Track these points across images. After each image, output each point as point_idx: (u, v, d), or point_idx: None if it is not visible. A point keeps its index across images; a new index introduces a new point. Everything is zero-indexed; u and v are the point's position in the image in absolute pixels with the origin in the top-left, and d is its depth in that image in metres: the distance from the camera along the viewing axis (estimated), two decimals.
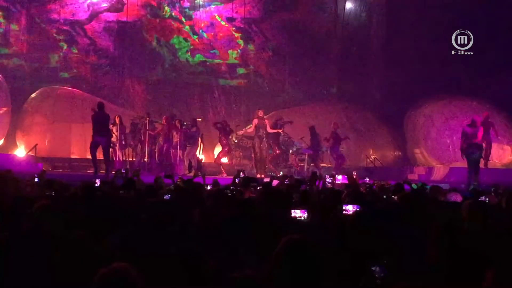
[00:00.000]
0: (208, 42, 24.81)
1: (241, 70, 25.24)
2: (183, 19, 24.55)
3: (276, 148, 18.65)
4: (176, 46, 24.65)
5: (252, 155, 18.52)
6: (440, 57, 20.89)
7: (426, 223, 4.97)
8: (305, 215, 5.25)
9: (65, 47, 23.46)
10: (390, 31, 23.99)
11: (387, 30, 24.38)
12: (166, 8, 24.47)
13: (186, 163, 17.94)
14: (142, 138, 18.25)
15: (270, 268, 2.64)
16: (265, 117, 18.87)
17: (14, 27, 22.63)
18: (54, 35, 23.26)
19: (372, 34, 24.92)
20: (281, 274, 2.58)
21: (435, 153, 20.87)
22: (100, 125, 14.93)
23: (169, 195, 7.16)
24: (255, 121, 18.11)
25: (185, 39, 24.68)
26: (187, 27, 24.63)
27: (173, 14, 24.50)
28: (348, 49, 24.66)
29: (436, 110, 21.17)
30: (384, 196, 8.63)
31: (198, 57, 24.87)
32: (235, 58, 25.16)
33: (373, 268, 2.67)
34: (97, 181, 11.04)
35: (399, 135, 23.14)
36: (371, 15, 25.29)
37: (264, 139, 17.99)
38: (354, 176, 12.45)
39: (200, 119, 19.45)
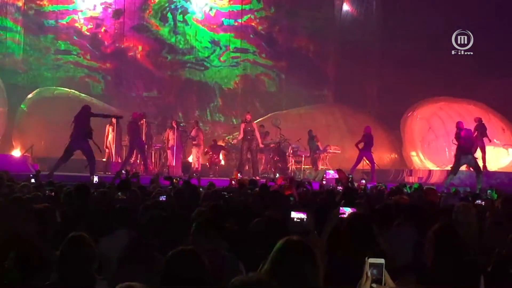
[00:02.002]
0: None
1: (238, 72, 25.26)
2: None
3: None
4: (170, 58, 24.72)
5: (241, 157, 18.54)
6: (440, 58, 20.90)
7: (424, 226, 4.98)
8: (305, 216, 5.23)
9: (61, 44, 23.48)
10: (387, 32, 24.00)
11: (384, 32, 24.39)
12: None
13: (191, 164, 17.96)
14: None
15: (268, 269, 2.64)
16: (258, 121, 18.92)
17: (10, 24, 22.56)
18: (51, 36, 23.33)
19: (369, 36, 24.93)
20: (278, 275, 2.58)
21: (432, 156, 20.89)
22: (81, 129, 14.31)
23: (165, 196, 7.13)
24: (243, 125, 18.09)
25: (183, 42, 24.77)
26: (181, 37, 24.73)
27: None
28: (345, 51, 24.66)
29: (433, 112, 21.18)
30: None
31: (197, 59, 24.96)
32: (234, 62, 25.24)
33: (370, 270, 2.66)
34: (95, 178, 11.05)
35: (396, 138, 23.15)
36: (368, 17, 25.32)
37: (254, 141, 17.97)
38: (350, 178, 12.49)
39: (197, 121, 19.47)
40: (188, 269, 2.90)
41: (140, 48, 24.27)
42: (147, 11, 24.29)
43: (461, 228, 5.29)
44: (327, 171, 7.76)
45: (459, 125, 15.59)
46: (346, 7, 25.82)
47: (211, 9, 24.79)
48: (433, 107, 21.34)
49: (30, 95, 21.71)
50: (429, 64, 21.50)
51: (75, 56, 23.57)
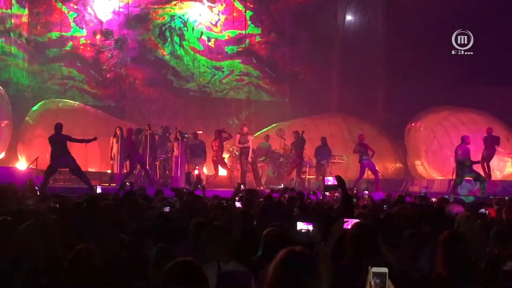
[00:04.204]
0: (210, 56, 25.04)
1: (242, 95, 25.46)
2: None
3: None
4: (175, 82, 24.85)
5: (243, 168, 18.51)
6: (442, 62, 20.93)
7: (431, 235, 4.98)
8: (311, 227, 5.24)
9: (64, 71, 23.57)
10: (390, 42, 24.05)
11: (387, 41, 24.44)
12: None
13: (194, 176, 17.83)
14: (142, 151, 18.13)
15: (270, 280, 2.65)
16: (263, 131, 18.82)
17: (14, 51, 22.72)
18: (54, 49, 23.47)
19: (373, 45, 24.95)
20: (280, 285, 2.58)
21: (436, 165, 20.87)
22: (59, 147, 14.15)
23: (168, 207, 7.15)
24: (237, 136, 18.07)
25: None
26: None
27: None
28: (349, 61, 24.68)
29: (437, 122, 21.19)
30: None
31: (200, 86, 25.07)
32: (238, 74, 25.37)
33: (373, 280, 2.67)
34: (99, 188, 11.07)
35: (400, 147, 23.15)
36: (371, 27, 25.37)
37: (248, 153, 17.97)
38: (355, 192, 12.49)
39: (201, 132, 19.43)
40: (187, 280, 2.93)
41: (141, 74, 24.35)
42: (148, 23, 24.40)
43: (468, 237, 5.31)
44: (326, 178, 7.67)
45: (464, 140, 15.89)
46: (349, 17, 25.88)
47: (209, 39, 24.89)
48: (437, 117, 21.36)
49: (35, 107, 21.78)
50: (433, 72, 21.52)
51: (79, 82, 23.71)
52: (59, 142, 14.20)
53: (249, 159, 17.90)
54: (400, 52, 22.71)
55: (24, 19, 22.91)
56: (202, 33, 24.80)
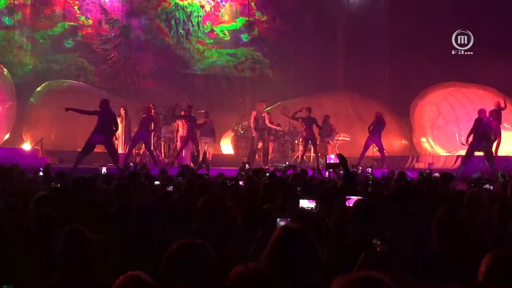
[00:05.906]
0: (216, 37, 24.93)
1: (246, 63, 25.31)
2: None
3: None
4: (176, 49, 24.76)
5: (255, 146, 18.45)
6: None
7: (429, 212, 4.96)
8: (314, 205, 5.23)
9: (69, 59, 23.51)
10: (395, 19, 23.89)
11: (392, 19, 24.27)
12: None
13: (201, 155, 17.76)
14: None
15: (266, 257, 2.63)
16: (266, 110, 18.75)
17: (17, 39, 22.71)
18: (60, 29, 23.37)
19: (377, 23, 24.79)
20: (276, 262, 2.57)
21: (442, 141, 20.80)
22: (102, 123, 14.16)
23: (172, 187, 7.15)
24: (254, 113, 18.01)
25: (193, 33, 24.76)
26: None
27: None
28: (354, 39, 24.53)
29: (442, 98, 21.07)
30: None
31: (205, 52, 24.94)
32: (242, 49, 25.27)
33: (374, 241, 2.66)
34: (104, 169, 11.08)
35: (406, 124, 23.07)
36: (375, 3, 25.18)
37: (265, 131, 17.91)
38: (360, 169, 12.48)
39: (203, 111, 19.32)
40: (195, 263, 2.74)
41: (147, 60, 24.25)
42: (153, 9, 24.26)
43: (474, 214, 5.29)
44: (328, 156, 7.63)
45: (481, 113, 15.42)
46: None
47: (224, 33, 24.75)
48: (442, 93, 21.24)
49: (38, 88, 21.77)
50: (438, 47, 21.41)
51: (88, 73, 23.65)
52: (107, 119, 14.11)
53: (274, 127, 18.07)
54: (405, 28, 22.55)
55: (29, 9, 22.82)
56: (212, 29, 24.65)
